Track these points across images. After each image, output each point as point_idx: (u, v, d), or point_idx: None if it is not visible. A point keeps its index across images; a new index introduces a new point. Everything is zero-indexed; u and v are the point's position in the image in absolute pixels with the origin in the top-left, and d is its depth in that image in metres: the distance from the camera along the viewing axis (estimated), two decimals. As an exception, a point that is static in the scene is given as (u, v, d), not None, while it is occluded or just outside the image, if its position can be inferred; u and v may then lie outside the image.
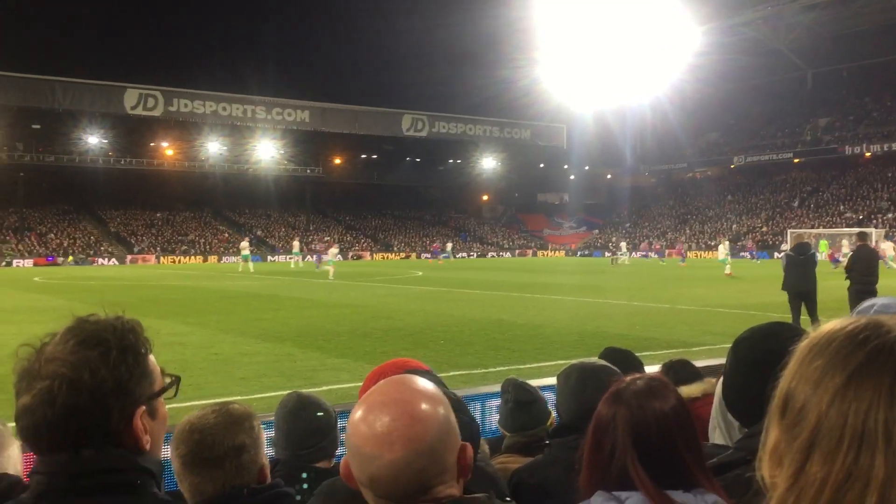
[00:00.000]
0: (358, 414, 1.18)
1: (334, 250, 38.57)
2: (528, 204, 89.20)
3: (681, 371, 3.62)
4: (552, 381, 3.00)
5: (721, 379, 1.96)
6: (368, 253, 67.04)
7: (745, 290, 24.04)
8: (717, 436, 1.98)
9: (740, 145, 75.27)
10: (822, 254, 38.10)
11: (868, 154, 65.94)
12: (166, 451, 2.05)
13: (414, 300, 21.48)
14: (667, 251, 58.23)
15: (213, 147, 67.26)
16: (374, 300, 21.44)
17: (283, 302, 21.30)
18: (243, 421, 1.81)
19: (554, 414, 3.08)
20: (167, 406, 1.40)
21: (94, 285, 29.43)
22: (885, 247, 33.99)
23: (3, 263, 51.24)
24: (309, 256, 50.65)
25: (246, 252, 42.89)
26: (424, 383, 1.24)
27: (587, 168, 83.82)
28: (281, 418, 2.62)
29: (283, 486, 1.82)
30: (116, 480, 1.26)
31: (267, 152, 69.14)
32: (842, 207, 63.40)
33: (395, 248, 70.24)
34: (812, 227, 54.15)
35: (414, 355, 8.21)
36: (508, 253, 73.34)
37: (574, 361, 2.60)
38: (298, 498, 1.79)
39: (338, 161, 79.57)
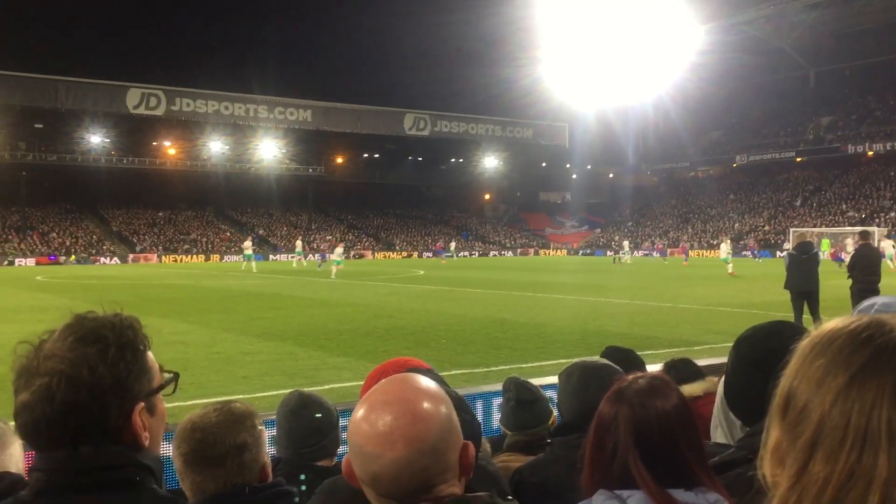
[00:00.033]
0: (360, 413, 1.18)
1: (340, 249, 38.42)
2: (530, 203, 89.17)
3: (682, 370, 3.61)
4: (554, 379, 3.00)
5: (723, 378, 1.96)
6: (370, 252, 67.05)
7: (747, 288, 24.03)
8: (718, 434, 1.98)
9: (742, 144, 75.21)
10: (825, 253, 38.09)
11: (870, 153, 65.88)
12: (165, 448, 2.05)
13: (415, 299, 21.49)
14: (669, 250, 58.20)
15: (216, 146, 67.30)
16: (376, 299, 21.45)
17: (284, 301, 21.32)
18: (245, 420, 1.81)
19: (555, 413, 3.08)
20: (166, 403, 1.40)
21: (97, 284, 29.47)
22: (885, 245, 33.97)
23: (6, 262, 51.32)
24: (311, 255, 50.66)
25: (249, 252, 42.94)
26: (426, 382, 1.23)
27: (589, 167, 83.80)
28: (282, 417, 2.62)
29: (285, 484, 1.82)
30: (115, 477, 1.26)
31: (269, 151, 69.16)
32: (844, 206, 63.34)
33: (397, 248, 70.24)
34: (814, 226, 54.08)
35: (415, 354, 8.21)
36: (510, 252, 73.34)
37: (576, 360, 2.60)
38: (297, 500, 1.79)
39: (340, 160, 79.58)
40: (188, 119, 60.25)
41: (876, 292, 12.06)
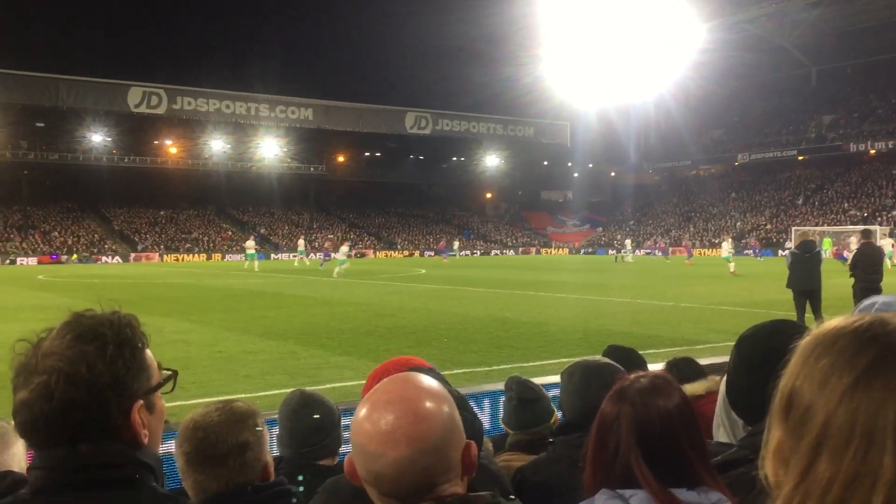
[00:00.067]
0: (362, 412, 1.18)
1: (345, 248, 37.82)
2: (532, 201, 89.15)
3: (685, 369, 3.62)
4: (556, 378, 3.00)
5: (725, 377, 1.95)
6: (372, 251, 67.07)
7: (749, 287, 24.01)
8: (720, 434, 1.98)
9: (744, 143, 75.14)
10: (827, 251, 38.07)
11: (872, 151, 65.79)
12: (165, 446, 2.04)
13: (417, 298, 21.49)
14: (671, 249, 58.14)
15: (217, 145, 67.35)
16: (378, 298, 21.45)
17: (286, 300, 21.33)
18: (247, 419, 1.81)
19: (558, 412, 3.07)
20: (167, 402, 1.40)
21: (98, 283, 29.49)
22: (885, 243, 33.92)
23: (8, 261, 51.39)
24: (313, 254, 50.63)
25: (252, 251, 42.95)
26: (428, 381, 1.23)
27: (591, 166, 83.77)
28: (284, 416, 2.62)
29: (287, 483, 1.82)
30: (114, 475, 1.26)
31: (270, 150, 69.19)
32: (846, 205, 63.28)
33: (399, 246, 70.26)
34: (816, 225, 54.05)
35: (417, 353, 8.19)
36: (512, 251, 73.34)
37: (578, 359, 2.60)
38: (294, 501, 1.79)
39: (341, 159, 79.60)
40: (189, 118, 60.29)
41: (878, 291, 12.06)
